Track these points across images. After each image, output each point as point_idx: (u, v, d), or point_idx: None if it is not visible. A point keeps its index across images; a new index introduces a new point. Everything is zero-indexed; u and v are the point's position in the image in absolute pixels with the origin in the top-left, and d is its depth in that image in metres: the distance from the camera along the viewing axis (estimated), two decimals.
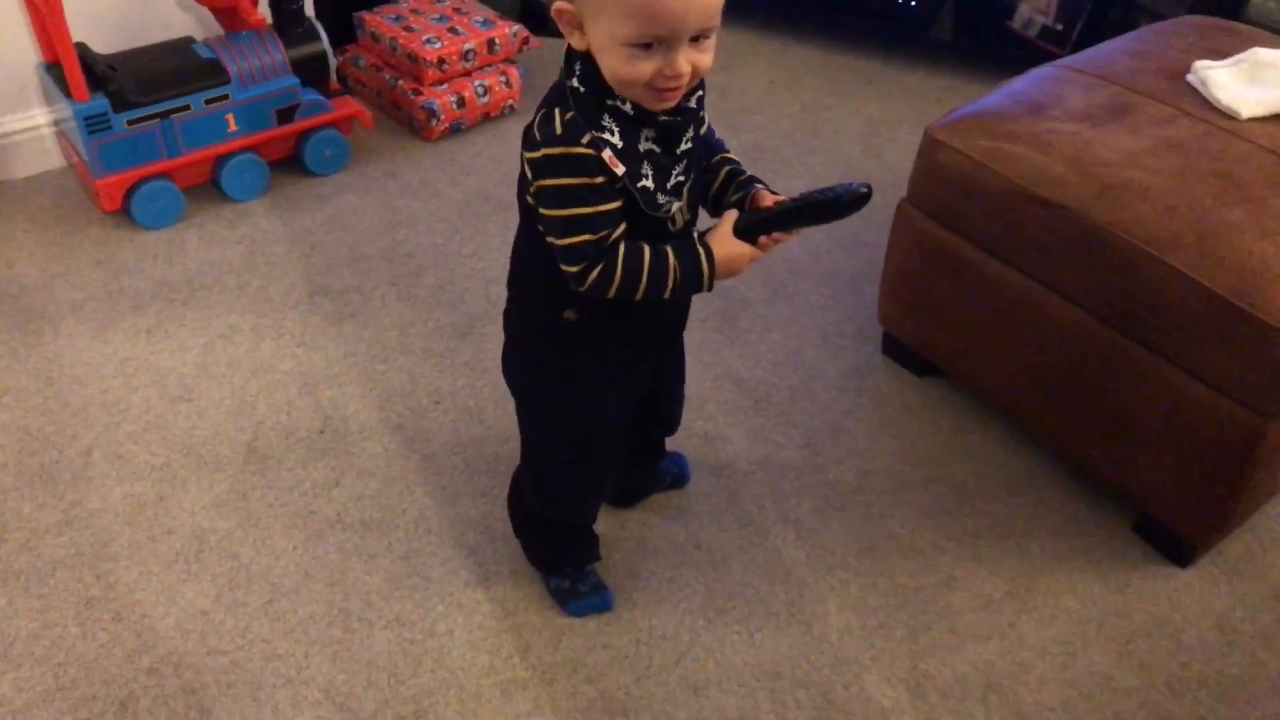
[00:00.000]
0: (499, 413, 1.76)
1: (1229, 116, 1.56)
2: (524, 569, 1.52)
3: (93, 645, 1.41)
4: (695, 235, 1.13)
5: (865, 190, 1.05)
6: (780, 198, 1.14)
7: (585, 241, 1.08)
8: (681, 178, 1.11)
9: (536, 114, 1.07)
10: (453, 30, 2.41)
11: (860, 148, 2.46)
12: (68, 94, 1.95)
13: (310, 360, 1.85)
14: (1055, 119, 1.57)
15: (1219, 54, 1.68)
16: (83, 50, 1.98)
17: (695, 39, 1.00)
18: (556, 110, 1.05)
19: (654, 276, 1.10)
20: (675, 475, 1.65)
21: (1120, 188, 1.45)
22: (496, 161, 2.36)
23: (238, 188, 2.17)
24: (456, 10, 2.50)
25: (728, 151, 1.22)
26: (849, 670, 1.42)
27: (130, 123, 1.99)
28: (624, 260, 1.08)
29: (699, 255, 1.10)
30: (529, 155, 1.07)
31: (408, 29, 2.41)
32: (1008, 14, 2.72)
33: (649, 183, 1.08)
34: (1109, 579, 1.56)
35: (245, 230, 2.13)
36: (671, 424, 1.53)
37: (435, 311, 1.96)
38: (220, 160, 2.14)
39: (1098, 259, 1.45)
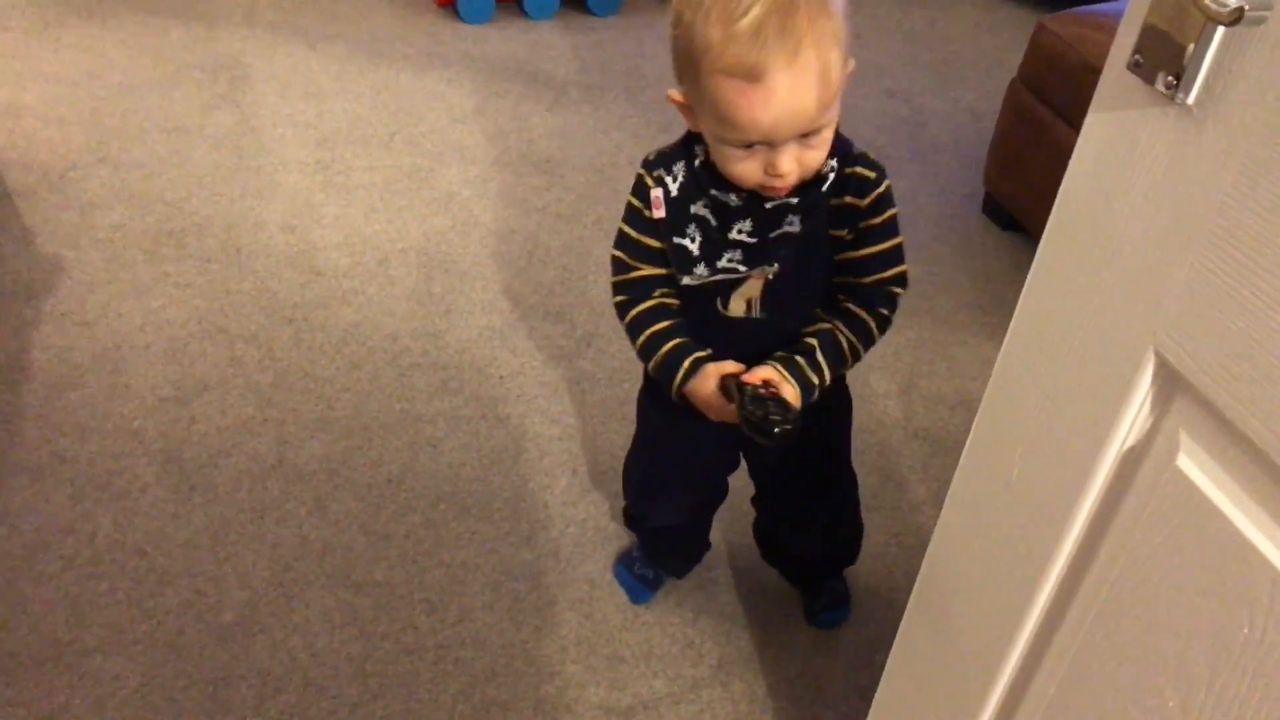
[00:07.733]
0: None
1: None
2: None
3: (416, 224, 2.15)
4: (697, 355, 1.08)
5: (776, 431, 0.98)
6: (774, 382, 1.04)
7: (617, 257, 1.10)
8: (740, 266, 1.05)
9: None
10: None
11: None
12: None
13: (553, 122, 2.53)
14: None
15: None
16: None
17: (804, 135, 0.93)
18: (676, 141, 1.07)
19: (646, 348, 1.10)
20: (813, 602, 1.49)
21: None
22: None
23: (536, 8, 2.90)
24: None
25: (870, 311, 1.09)
26: (861, 374, 1.93)
27: None
28: (641, 311, 1.10)
29: (680, 370, 1.08)
30: None
31: None
32: None
33: (690, 245, 1.05)
34: None
35: (533, 38, 2.85)
36: (796, 550, 1.44)
37: (649, 113, 2.59)
38: None
39: None
